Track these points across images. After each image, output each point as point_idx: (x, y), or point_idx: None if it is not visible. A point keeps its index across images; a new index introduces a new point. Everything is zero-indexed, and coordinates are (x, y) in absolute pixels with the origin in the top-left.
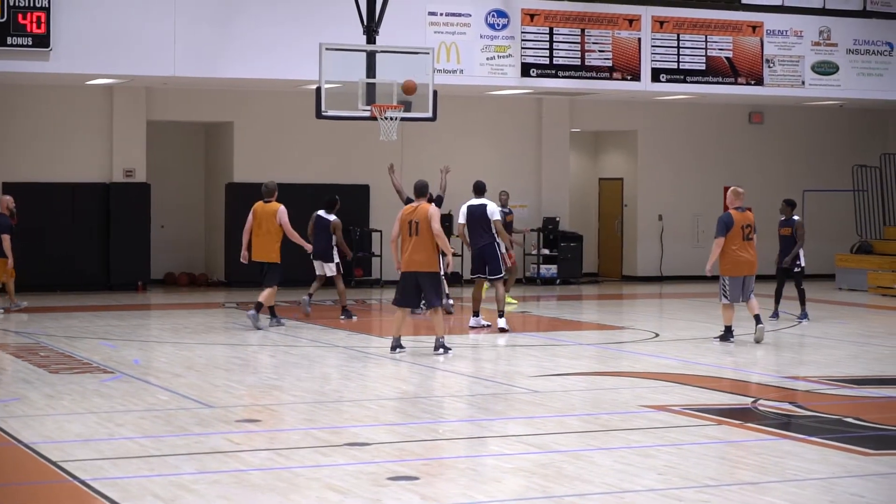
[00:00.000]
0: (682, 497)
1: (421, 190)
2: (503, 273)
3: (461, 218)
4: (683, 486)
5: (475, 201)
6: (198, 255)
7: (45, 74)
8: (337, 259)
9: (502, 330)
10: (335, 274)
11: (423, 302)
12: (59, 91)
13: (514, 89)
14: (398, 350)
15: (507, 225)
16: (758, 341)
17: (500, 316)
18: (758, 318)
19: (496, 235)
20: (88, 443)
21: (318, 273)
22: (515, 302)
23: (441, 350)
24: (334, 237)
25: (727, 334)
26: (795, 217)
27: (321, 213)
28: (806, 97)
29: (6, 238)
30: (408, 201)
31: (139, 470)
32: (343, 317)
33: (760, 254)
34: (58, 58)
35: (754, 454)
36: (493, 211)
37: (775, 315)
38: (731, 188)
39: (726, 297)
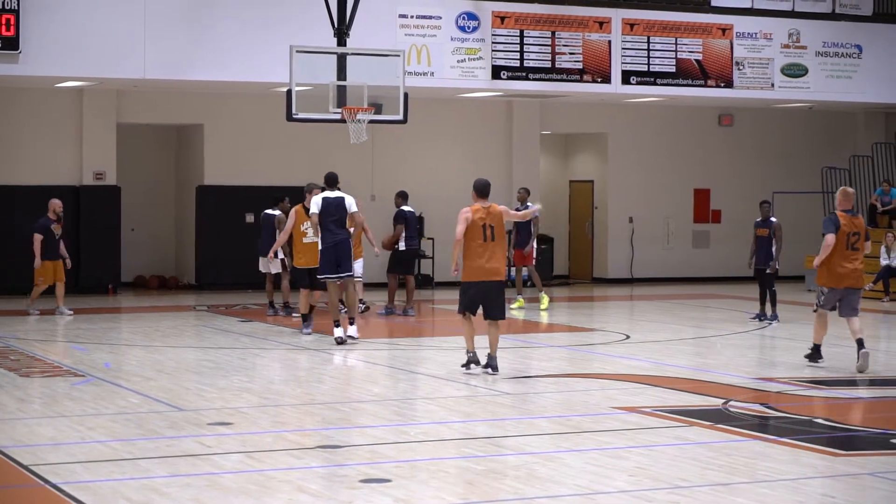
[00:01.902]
0: (652, 498)
1: (485, 189)
2: (359, 272)
3: (314, 208)
4: (654, 488)
5: (330, 194)
6: (168, 257)
7: (15, 77)
8: (281, 256)
9: (348, 339)
10: (280, 271)
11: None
12: (28, 94)
13: (485, 91)
14: (475, 367)
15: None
16: (861, 370)
17: (351, 323)
18: (860, 343)
19: (366, 231)
20: (60, 446)
21: (262, 270)
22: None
23: (490, 370)
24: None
25: (815, 354)
26: (773, 219)
27: (268, 210)
28: (775, 99)
29: (37, 238)
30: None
31: (111, 473)
32: (283, 313)
33: (734, 255)
34: (27, 60)
35: (725, 455)
36: (351, 204)
37: (762, 316)
38: (841, 189)
39: (820, 304)
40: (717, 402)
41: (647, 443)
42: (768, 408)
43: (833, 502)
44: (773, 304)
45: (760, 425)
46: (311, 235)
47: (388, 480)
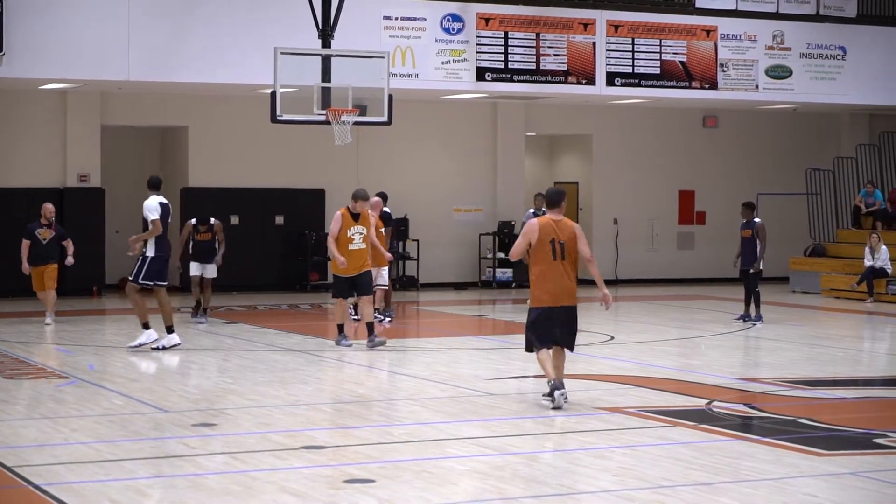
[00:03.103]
0: (636, 498)
1: (556, 198)
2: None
3: (153, 214)
4: (638, 487)
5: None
6: None
7: None
8: (220, 261)
9: (161, 349)
10: (213, 276)
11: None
12: (12, 96)
13: (470, 93)
14: (558, 396)
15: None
16: None
17: (169, 331)
18: None
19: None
20: (44, 448)
21: (192, 274)
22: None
23: (552, 399)
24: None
25: None
26: (757, 219)
27: (194, 220)
28: (760, 101)
29: (24, 243)
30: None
31: (95, 475)
32: (201, 318)
33: (719, 256)
34: (11, 62)
35: (708, 455)
36: (151, 209)
37: (746, 317)
38: None
39: None
40: (700, 403)
41: (631, 443)
42: (752, 408)
43: (816, 502)
44: (758, 305)
45: (744, 425)
46: (358, 241)
47: (372, 481)
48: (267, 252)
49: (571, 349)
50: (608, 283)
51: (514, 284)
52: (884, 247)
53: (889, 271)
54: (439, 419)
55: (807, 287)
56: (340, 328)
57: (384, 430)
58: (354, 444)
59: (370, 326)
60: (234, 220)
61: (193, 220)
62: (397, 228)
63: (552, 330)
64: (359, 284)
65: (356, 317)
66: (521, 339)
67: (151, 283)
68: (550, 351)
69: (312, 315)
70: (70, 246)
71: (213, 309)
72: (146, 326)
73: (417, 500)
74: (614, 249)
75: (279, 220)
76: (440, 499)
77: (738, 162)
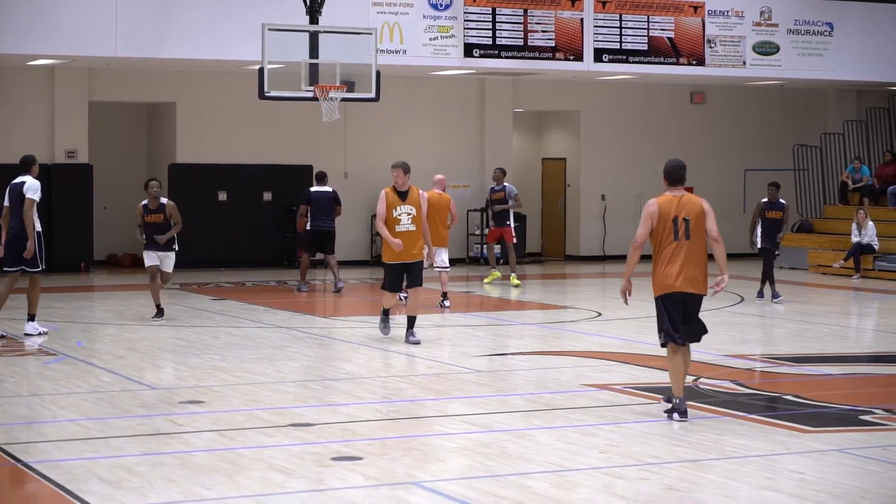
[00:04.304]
0: (623, 475)
1: (676, 173)
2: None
3: (35, 195)
4: (625, 465)
5: (20, 178)
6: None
7: None
8: (163, 240)
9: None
10: (169, 271)
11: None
12: (0, 72)
13: (457, 70)
14: (678, 417)
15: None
16: None
17: (31, 319)
18: None
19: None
20: (32, 425)
21: (149, 264)
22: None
23: (676, 415)
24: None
25: None
26: (782, 200)
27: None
28: (747, 77)
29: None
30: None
31: (83, 452)
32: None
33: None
34: None
35: (695, 432)
36: (30, 188)
37: (762, 294)
38: None
39: None
40: (687, 380)
41: (618, 420)
42: (738, 385)
43: (802, 478)
44: (773, 283)
45: (730, 402)
46: (406, 223)
47: (360, 458)
48: (255, 228)
49: (698, 340)
50: (596, 259)
51: (501, 261)
52: (870, 223)
53: (876, 247)
54: (427, 396)
55: (794, 263)
56: (385, 312)
57: (372, 408)
58: (342, 421)
59: (411, 321)
60: (222, 196)
61: (144, 202)
62: (323, 207)
63: (680, 321)
64: (411, 273)
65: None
66: (508, 316)
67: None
68: (686, 352)
69: (300, 292)
70: None
71: (201, 286)
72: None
73: (405, 478)
74: (602, 225)
75: (267, 196)
76: (428, 476)
77: (725, 138)
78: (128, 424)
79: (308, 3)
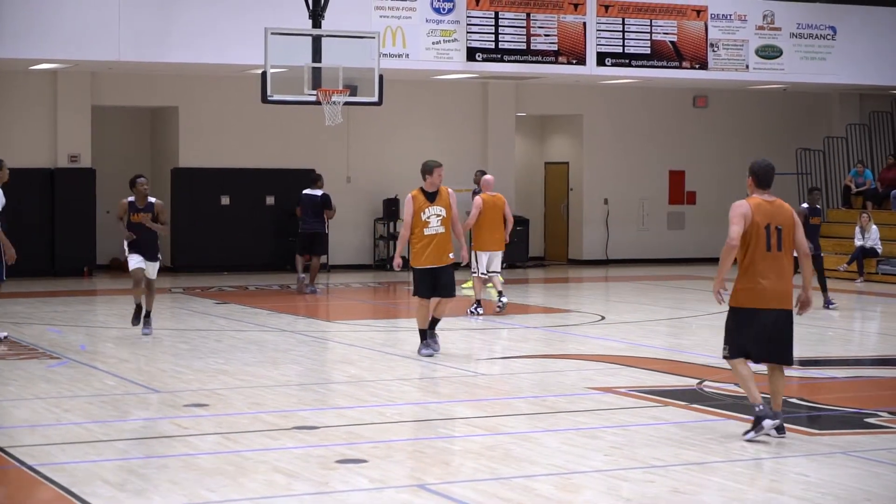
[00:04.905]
0: (627, 477)
1: (767, 175)
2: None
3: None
4: (629, 467)
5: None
6: None
7: None
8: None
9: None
10: (153, 278)
11: None
12: (2, 76)
13: (460, 74)
14: (768, 423)
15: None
16: None
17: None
18: None
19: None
20: (36, 428)
21: (134, 267)
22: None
23: (767, 421)
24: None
25: None
26: (818, 206)
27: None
28: (750, 81)
29: None
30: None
31: (87, 455)
32: (146, 328)
33: (709, 236)
34: (1, 42)
35: (699, 435)
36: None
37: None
38: None
39: None
40: (691, 383)
41: (623, 423)
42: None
43: (807, 481)
44: (826, 289)
45: (735, 405)
46: (435, 225)
47: (365, 461)
48: (258, 232)
49: (790, 363)
50: (599, 263)
51: (504, 265)
52: (874, 226)
53: (879, 251)
54: (431, 399)
55: (796, 267)
56: (423, 334)
57: (376, 411)
58: (346, 424)
59: (434, 322)
60: (225, 200)
61: (130, 198)
62: (311, 209)
63: (761, 339)
64: (439, 280)
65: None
66: (512, 319)
67: None
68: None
69: (303, 295)
70: None
71: (204, 289)
72: None
73: (410, 481)
74: (605, 229)
75: (270, 200)
76: (432, 479)
77: (728, 142)
78: (132, 427)
79: (311, 7)
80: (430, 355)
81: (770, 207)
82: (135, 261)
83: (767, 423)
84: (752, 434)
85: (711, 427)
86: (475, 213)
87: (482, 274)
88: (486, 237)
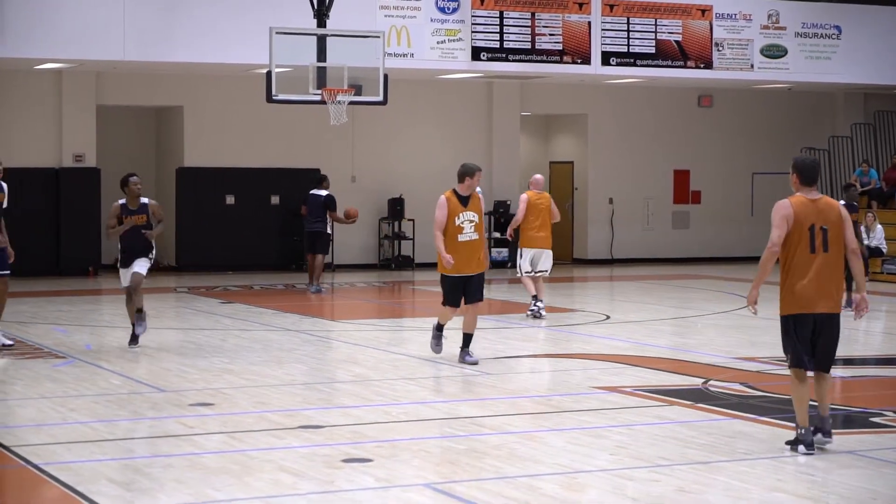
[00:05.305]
0: (633, 477)
1: (812, 172)
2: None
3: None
4: (635, 466)
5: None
6: None
7: None
8: (153, 235)
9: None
10: (141, 271)
11: None
12: (8, 76)
13: (465, 73)
14: (819, 440)
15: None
16: None
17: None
18: None
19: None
20: (41, 427)
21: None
22: None
23: (802, 447)
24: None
25: None
26: (855, 203)
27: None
28: (755, 80)
29: None
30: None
31: (93, 454)
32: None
33: (714, 236)
34: (6, 42)
35: (705, 434)
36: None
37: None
38: None
39: None
40: (696, 382)
41: (628, 422)
42: (748, 387)
43: (812, 480)
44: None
45: (740, 404)
46: (469, 231)
47: (370, 460)
48: (262, 232)
49: (827, 370)
50: (604, 262)
51: (509, 264)
52: (879, 226)
53: (884, 251)
54: (437, 398)
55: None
56: (467, 340)
57: (382, 410)
58: (352, 423)
59: (467, 339)
60: (230, 199)
61: (122, 201)
62: (316, 209)
63: (810, 345)
64: (471, 286)
65: (535, 307)
66: (517, 318)
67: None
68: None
69: (308, 295)
70: None
71: (209, 289)
72: None
73: (415, 479)
74: (609, 229)
75: (275, 199)
76: (438, 478)
77: (733, 141)
78: (137, 427)
79: (316, 7)
80: (439, 353)
81: (814, 206)
82: (127, 277)
83: (802, 449)
84: (792, 449)
85: (717, 426)
86: (521, 210)
87: (526, 273)
88: (532, 235)
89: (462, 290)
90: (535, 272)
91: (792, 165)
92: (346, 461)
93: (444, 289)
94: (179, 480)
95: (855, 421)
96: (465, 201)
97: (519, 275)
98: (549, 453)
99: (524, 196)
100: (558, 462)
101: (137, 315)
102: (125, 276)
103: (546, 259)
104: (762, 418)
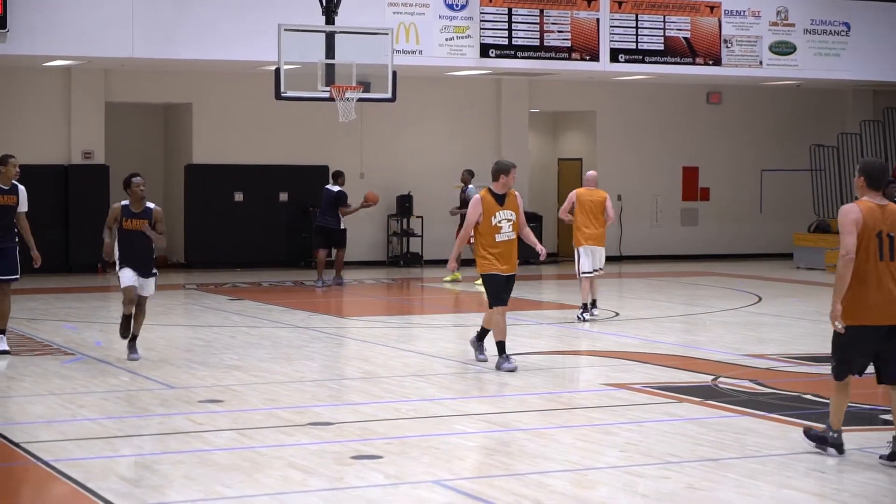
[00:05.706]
0: (643, 473)
1: (882, 176)
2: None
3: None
4: (645, 463)
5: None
6: None
7: (2, 56)
8: (161, 246)
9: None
10: (150, 294)
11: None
12: (16, 73)
13: (473, 70)
14: (834, 452)
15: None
16: None
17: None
18: None
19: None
20: (51, 424)
21: (126, 284)
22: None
23: (832, 450)
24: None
25: None
26: None
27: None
28: (764, 77)
29: None
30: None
31: (102, 451)
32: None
33: (722, 233)
34: (15, 39)
35: (714, 431)
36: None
37: None
38: None
39: None
40: (706, 379)
41: (638, 419)
42: (757, 384)
43: (822, 477)
44: None
45: (749, 401)
46: (507, 230)
47: (380, 457)
48: (271, 229)
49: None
50: (612, 259)
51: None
52: None
53: None
54: (446, 395)
55: (811, 263)
56: (501, 346)
57: (391, 407)
58: (361, 420)
59: (501, 346)
60: (239, 196)
61: (124, 202)
62: (326, 205)
63: (869, 356)
64: (508, 287)
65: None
66: (525, 315)
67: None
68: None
69: (317, 291)
70: None
71: (218, 286)
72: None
73: (425, 476)
74: (618, 226)
75: (283, 196)
76: (448, 474)
77: (741, 138)
78: (147, 423)
79: (324, 4)
80: (514, 369)
81: (882, 212)
82: (127, 277)
83: (833, 451)
84: (810, 444)
85: (727, 423)
86: (566, 206)
87: (584, 273)
88: (584, 232)
89: (506, 288)
90: (595, 270)
91: (859, 168)
92: (355, 458)
93: (489, 289)
94: (189, 477)
95: (864, 418)
96: (501, 200)
97: (577, 276)
98: (558, 450)
99: (573, 194)
100: (568, 459)
101: (131, 343)
102: (124, 278)
103: (599, 256)
104: (772, 415)
